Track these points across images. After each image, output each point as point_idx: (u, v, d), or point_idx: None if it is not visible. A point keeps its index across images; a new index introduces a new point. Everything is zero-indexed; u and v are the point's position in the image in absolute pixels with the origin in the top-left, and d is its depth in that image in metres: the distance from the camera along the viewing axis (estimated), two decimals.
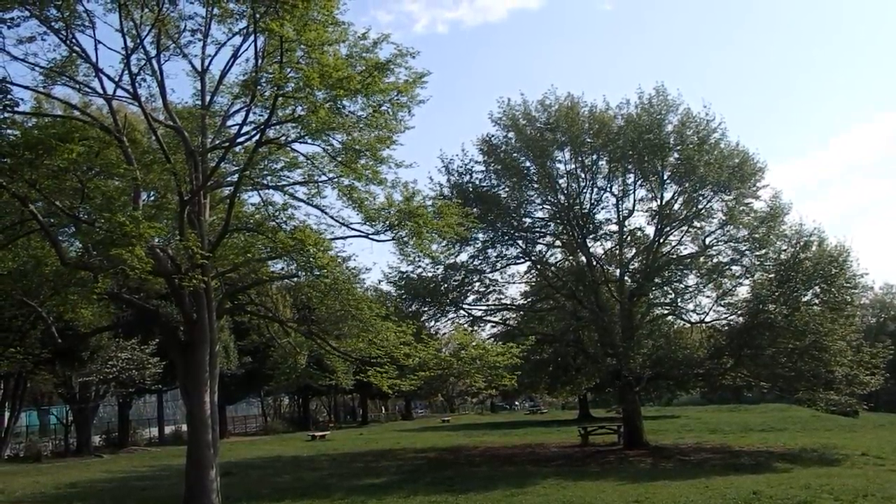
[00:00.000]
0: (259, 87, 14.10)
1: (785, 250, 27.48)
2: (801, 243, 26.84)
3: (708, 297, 29.40)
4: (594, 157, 28.81)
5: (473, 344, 18.95)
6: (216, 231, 15.40)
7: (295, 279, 19.91)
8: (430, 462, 26.33)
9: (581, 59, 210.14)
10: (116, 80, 14.17)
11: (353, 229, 17.29)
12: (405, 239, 17.18)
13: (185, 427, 22.59)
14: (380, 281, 27.98)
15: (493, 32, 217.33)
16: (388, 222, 16.77)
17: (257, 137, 14.75)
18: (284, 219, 17.64)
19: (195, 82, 16.03)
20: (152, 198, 16.77)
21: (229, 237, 15.73)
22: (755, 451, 26.50)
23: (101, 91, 14.44)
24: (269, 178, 17.34)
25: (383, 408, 76.92)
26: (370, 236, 17.21)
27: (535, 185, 29.54)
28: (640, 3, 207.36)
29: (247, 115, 14.87)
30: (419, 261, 25.18)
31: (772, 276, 27.10)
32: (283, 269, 18.38)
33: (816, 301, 26.64)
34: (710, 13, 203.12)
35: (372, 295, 23.26)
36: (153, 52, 14.20)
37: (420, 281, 28.08)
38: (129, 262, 11.74)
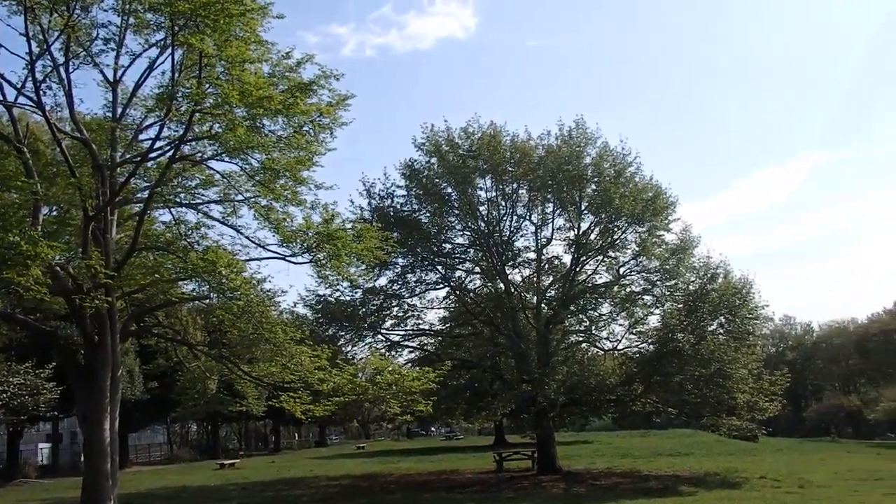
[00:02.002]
0: (175, 102, 13.69)
1: (693, 282, 28.36)
2: (709, 275, 27.79)
3: (621, 325, 30.10)
4: (515, 185, 29.16)
5: (390, 369, 18.72)
6: (123, 249, 14.74)
7: (207, 301, 19.24)
8: (344, 490, 25.80)
9: (505, 90, 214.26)
10: (19, 86, 13.46)
11: (269, 251, 16.93)
12: (323, 262, 16.90)
13: (82, 457, 21.39)
14: (295, 304, 27.49)
15: (422, 60, 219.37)
16: (305, 244, 16.48)
17: (171, 153, 14.29)
18: (197, 238, 17.15)
19: (106, 93, 15.44)
20: (54, 212, 15.93)
21: (137, 256, 15.13)
22: (663, 475, 27.08)
23: (0, 98, 13.68)
24: (182, 195, 16.79)
25: (296, 435, 75.31)
26: (287, 258, 16.89)
27: (456, 212, 29.65)
28: (564, 42, 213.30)
29: (161, 130, 14.42)
30: (337, 284, 24.74)
31: (680, 306, 27.89)
32: (194, 290, 17.72)
33: (721, 331, 27.57)
34: (629, 57, 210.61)
35: (287, 318, 22.70)
36: (61, 60, 13.62)
37: (338, 304, 27.64)
38: (24, 283, 11.03)
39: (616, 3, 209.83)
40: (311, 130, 15.94)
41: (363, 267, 22.45)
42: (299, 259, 16.86)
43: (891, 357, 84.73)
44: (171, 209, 17.12)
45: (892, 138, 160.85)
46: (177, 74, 13.84)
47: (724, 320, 27.46)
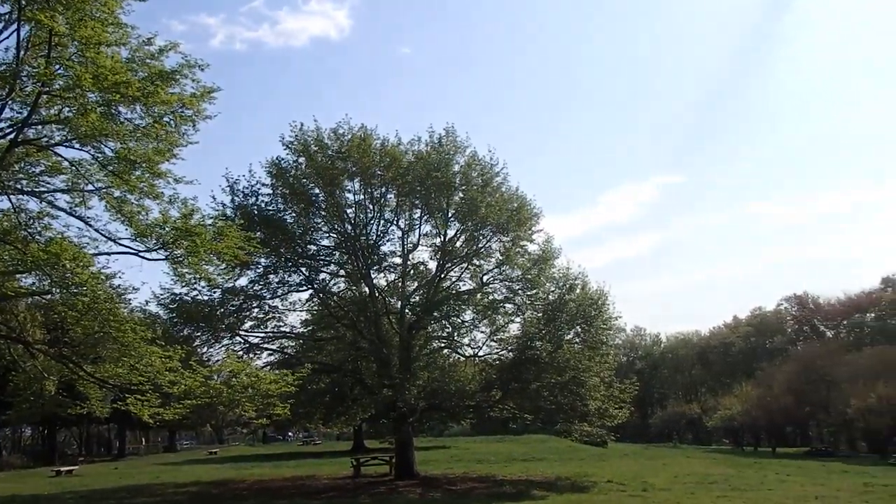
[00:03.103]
0: (20, 81, 12.69)
1: (553, 291, 29.32)
2: (567, 286, 28.85)
3: (482, 332, 30.67)
4: (383, 189, 29.15)
5: (246, 371, 18.15)
6: None
7: (48, 296, 17.93)
8: (193, 497, 24.78)
9: (377, 94, 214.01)
10: None
11: (120, 245, 16.04)
12: (180, 259, 16.19)
13: None
14: (147, 301, 25.97)
15: (295, 57, 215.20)
16: (161, 240, 15.73)
17: (13, 136, 13.21)
18: (39, 229, 15.93)
19: None
20: None
21: None
22: (517, 480, 27.81)
23: None
24: (24, 182, 15.58)
25: (143, 440, 71.60)
26: (140, 254, 16.06)
27: (323, 213, 29.28)
28: (437, 52, 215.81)
29: (1, 111, 13.27)
30: (195, 283, 23.77)
31: (540, 314, 28.79)
32: (33, 284, 16.46)
33: (577, 340, 28.71)
34: (502, 72, 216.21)
35: (138, 317, 21.53)
36: None
37: (194, 304, 26.53)
38: None
39: (490, 19, 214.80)
40: (172, 121, 15.26)
41: (223, 266, 21.72)
42: (154, 255, 16.10)
43: (729, 367, 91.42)
44: (11, 196, 15.83)
45: (725, 164, 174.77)
46: (23, 52, 12.86)
47: (580, 330, 28.60)
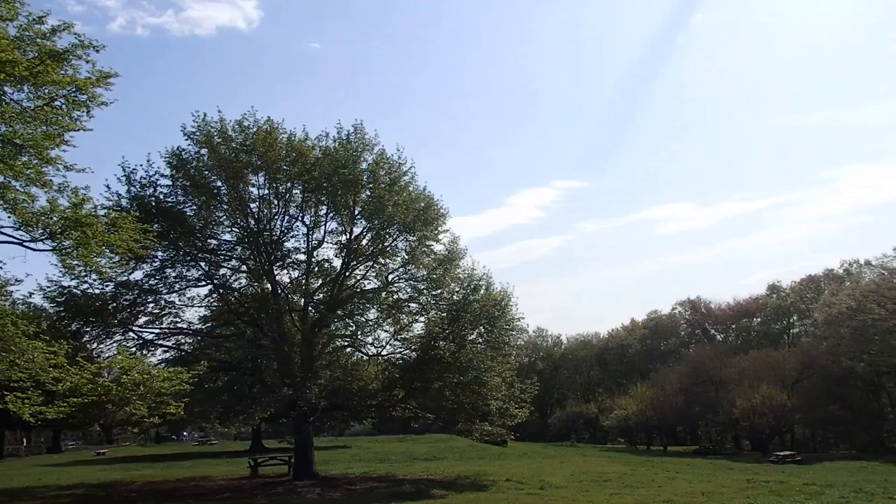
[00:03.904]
0: None
1: (457, 292, 29.57)
2: (472, 286, 29.15)
3: (386, 331, 30.66)
4: (289, 184, 28.61)
5: (138, 369, 17.41)
6: None
7: None
8: (77, 500, 23.70)
9: (284, 88, 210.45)
10: None
11: (2, 234, 15.05)
12: (69, 250, 15.39)
13: None
14: (31, 294, 24.60)
15: (200, 47, 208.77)
16: (48, 230, 14.89)
17: None
18: None
19: None
20: None
21: None
22: (417, 480, 27.86)
23: None
24: None
25: (24, 440, 67.75)
26: (25, 244, 15.15)
27: (225, 207, 28.49)
28: (346, 49, 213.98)
29: None
30: (85, 276, 22.76)
31: (444, 314, 28.96)
32: None
33: (480, 340, 29.03)
34: (410, 73, 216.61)
35: (21, 310, 20.37)
36: None
37: (84, 298, 25.33)
38: None
39: (400, 22, 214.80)
40: (64, 105, 14.49)
41: (116, 258, 20.86)
42: (40, 245, 15.23)
43: (625, 368, 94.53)
44: None
45: (623, 170, 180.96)
46: None
47: (483, 330, 28.94)
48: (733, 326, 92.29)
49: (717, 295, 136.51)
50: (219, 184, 28.12)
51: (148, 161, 27.61)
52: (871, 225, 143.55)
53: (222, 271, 29.90)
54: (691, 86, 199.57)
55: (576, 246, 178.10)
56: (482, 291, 29.09)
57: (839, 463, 43.71)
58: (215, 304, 30.58)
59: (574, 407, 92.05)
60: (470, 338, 28.73)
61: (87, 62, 14.09)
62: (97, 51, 14.05)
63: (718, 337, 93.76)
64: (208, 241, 28.84)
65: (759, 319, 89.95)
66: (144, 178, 27.46)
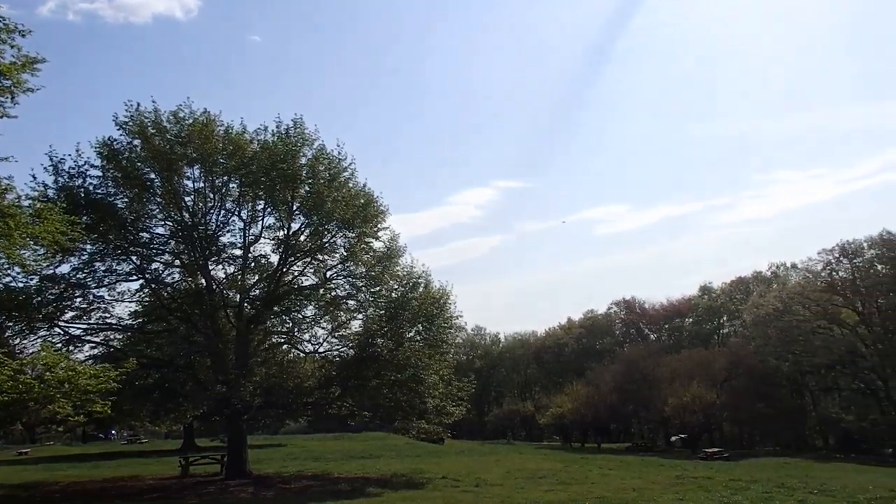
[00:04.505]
0: None
1: (396, 289, 29.47)
2: (411, 284, 29.10)
3: (324, 328, 30.39)
4: (225, 178, 28.02)
5: (62, 365, 16.80)
6: None
7: None
8: None
9: (223, 80, 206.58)
10: None
11: None
12: None
13: None
14: None
15: (135, 35, 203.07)
16: None
17: None
18: None
19: None
20: None
21: None
22: (353, 478, 27.64)
23: None
24: None
25: None
26: None
27: (159, 200, 27.69)
28: (288, 43, 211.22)
29: None
30: (8, 268, 21.86)
31: (382, 312, 28.83)
32: None
33: (419, 338, 29.00)
34: (355, 69, 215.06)
35: None
36: None
37: (7, 292, 24.25)
38: None
39: (344, 22, 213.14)
40: None
41: (42, 251, 20.12)
42: None
43: (561, 367, 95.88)
44: None
45: (562, 172, 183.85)
46: None
47: (421, 328, 28.92)
48: (666, 326, 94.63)
49: (651, 295, 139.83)
50: (152, 176, 27.35)
51: (77, 151, 26.61)
52: (798, 229, 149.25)
53: (154, 266, 29.03)
54: (629, 90, 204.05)
55: (515, 245, 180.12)
56: (421, 289, 29.07)
57: (764, 459, 45.21)
58: (147, 299, 29.73)
59: (511, 405, 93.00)
60: (408, 335, 28.68)
61: (13, 47, 13.58)
62: (23, 35, 13.57)
63: (652, 336, 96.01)
64: (140, 234, 28.01)
65: (690, 319, 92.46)
66: (73, 169, 26.47)
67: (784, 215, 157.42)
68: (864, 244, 62.68)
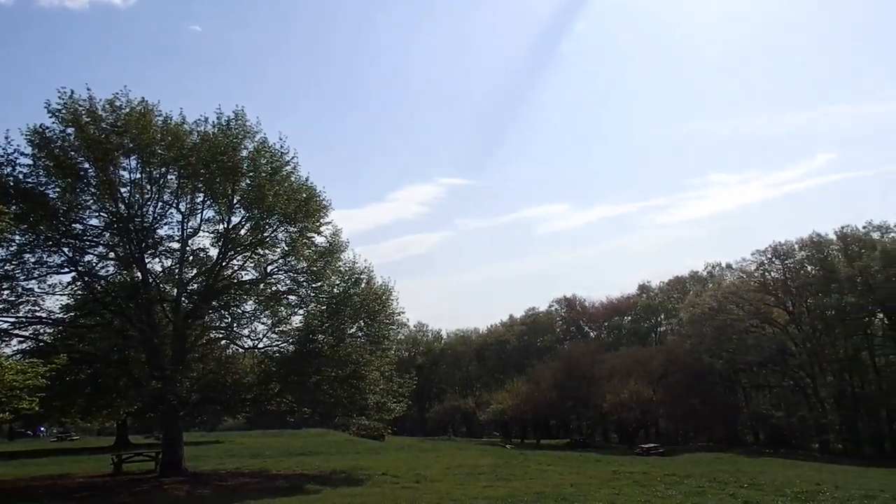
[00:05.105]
0: None
1: (338, 285, 29.31)
2: (353, 280, 28.97)
3: (264, 324, 29.93)
4: (164, 169, 27.36)
5: None
6: None
7: None
8: None
9: (162, 70, 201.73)
10: None
11: None
12: None
13: None
14: None
15: (71, 20, 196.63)
16: None
17: None
18: None
19: None
20: None
21: None
22: (292, 475, 27.39)
23: None
24: None
25: None
26: None
27: (93, 190, 26.84)
28: (229, 34, 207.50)
29: None
30: None
31: (324, 307, 28.63)
32: None
33: (360, 334, 28.91)
34: (293, 65, 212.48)
35: None
36: None
37: None
38: None
39: (288, 16, 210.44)
40: None
41: None
42: None
43: (503, 364, 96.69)
44: None
45: (505, 170, 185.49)
46: None
47: (363, 324, 28.86)
48: (606, 324, 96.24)
49: (591, 294, 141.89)
50: (86, 166, 26.50)
51: (7, 138, 25.63)
52: (732, 230, 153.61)
53: (88, 258, 28.16)
54: (571, 92, 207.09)
55: (458, 242, 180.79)
56: (363, 285, 28.97)
57: (698, 454, 46.47)
58: (79, 292, 28.79)
59: (452, 401, 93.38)
60: (349, 331, 28.61)
61: None
62: None
63: (592, 334, 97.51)
64: (73, 225, 27.12)
65: (629, 318, 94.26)
66: (2, 157, 25.49)
67: (719, 217, 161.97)
68: (795, 246, 65.00)
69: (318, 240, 29.90)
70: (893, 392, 59.62)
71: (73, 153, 26.21)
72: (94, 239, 27.96)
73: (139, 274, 27.81)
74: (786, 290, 64.77)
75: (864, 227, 63.33)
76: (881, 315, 61.87)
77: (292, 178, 28.82)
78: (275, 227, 28.82)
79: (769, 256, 65.68)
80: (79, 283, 28.09)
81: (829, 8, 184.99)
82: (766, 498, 18.45)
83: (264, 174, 27.87)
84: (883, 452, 57.29)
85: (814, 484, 22.04)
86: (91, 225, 27.76)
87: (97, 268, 28.60)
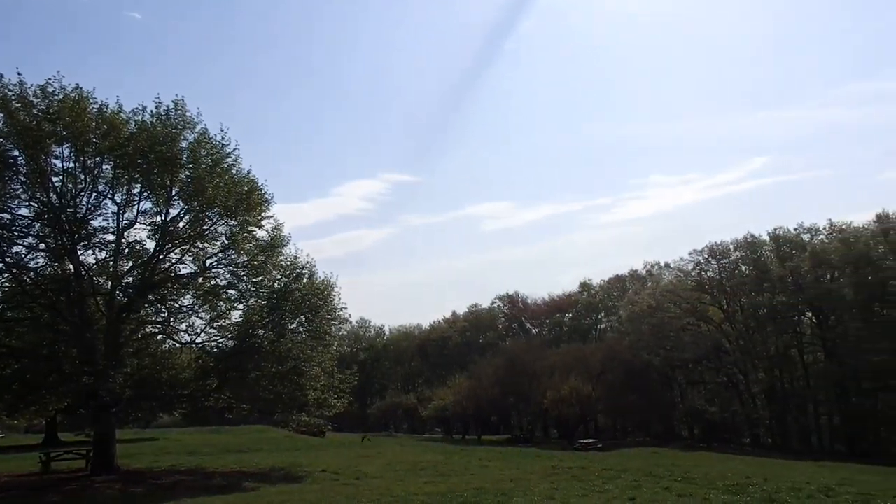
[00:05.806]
0: None
1: (279, 280, 28.92)
2: (294, 275, 28.62)
3: (202, 318, 29.30)
4: (98, 159, 26.49)
5: None
6: None
7: None
8: None
9: (97, 56, 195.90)
10: None
11: None
12: None
13: None
14: None
15: (3, 2, 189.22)
16: None
17: None
18: None
19: None
20: None
21: None
22: (229, 473, 26.93)
23: None
24: None
25: None
26: None
27: (23, 179, 25.85)
28: (171, 24, 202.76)
29: None
30: None
31: (264, 302, 28.21)
32: None
33: (301, 329, 28.56)
34: (238, 56, 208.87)
35: None
36: None
37: None
38: None
39: (235, 9, 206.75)
40: None
41: None
42: None
43: (445, 360, 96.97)
44: None
45: (449, 168, 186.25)
46: None
47: (304, 319, 28.53)
48: (547, 321, 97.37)
49: (533, 291, 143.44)
50: (15, 153, 25.50)
51: None
52: (672, 230, 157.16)
53: (16, 249, 27.02)
54: (515, 91, 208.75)
55: (402, 238, 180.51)
56: (305, 280, 28.65)
57: (635, 449, 47.29)
58: (7, 284, 27.71)
59: (394, 397, 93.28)
60: (290, 327, 28.26)
61: None
62: None
63: (534, 331, 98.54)
64: (1, 215, 26.10)
65: (570, 315, 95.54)
66: None
67: (660, 217, 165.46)
68: (731, 246, 66.92)
69: (260, 234, 29.45)
70: (820, 388, 62.06)
71: (1, 140, 25.20)
72: (24, 229, 26.88)
73: (71, 266, 26.88)
74: (721, 290, 66.64)
75: (795, 229, 65.68)
76: (810, 314, 64.38)
77: (233, 171, 28.27)
78: (215, 220, 28.20)
79: (706, 256, 67.45)
80: (6, 274, 27.03)
81: (767, 16, 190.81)
82: (699, 491, 18.87)
83: (204, 166, 27.24)
84: (810, 447, 59.52)
85: (744, 477, 22.63)
86: (20, 215, 26.70)
87: (26, 259, 27.48)
